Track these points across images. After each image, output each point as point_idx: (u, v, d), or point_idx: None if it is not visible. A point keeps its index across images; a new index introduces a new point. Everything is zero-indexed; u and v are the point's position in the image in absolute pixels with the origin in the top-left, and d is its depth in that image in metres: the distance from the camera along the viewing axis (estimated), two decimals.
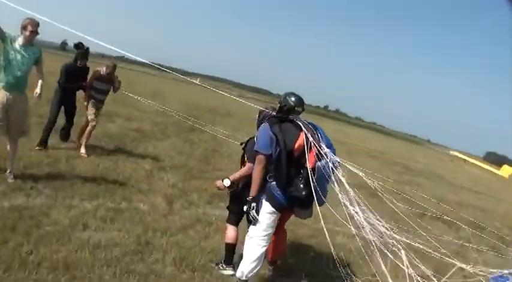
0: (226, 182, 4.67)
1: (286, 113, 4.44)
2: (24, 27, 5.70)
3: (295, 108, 4.47)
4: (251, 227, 4.43)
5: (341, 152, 20.11)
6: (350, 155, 20.14)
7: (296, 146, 4.24)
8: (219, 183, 4.73)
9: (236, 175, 4.73)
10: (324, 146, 4.29)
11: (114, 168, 7.87)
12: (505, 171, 54.68)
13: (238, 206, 4.67)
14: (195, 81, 42.74)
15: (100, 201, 5.97)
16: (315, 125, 4.55)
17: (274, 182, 4.33)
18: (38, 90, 6.05)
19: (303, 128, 4.29)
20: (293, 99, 4.48)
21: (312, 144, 4.19)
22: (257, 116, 4.93)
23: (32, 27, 5.73)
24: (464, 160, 60.88)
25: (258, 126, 4.65)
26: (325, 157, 4.18)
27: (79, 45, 8.12)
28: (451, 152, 59.55)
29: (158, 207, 6.36)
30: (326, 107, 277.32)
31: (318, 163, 4.16)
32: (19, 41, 5.74)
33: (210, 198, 7.31)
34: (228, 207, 5.03)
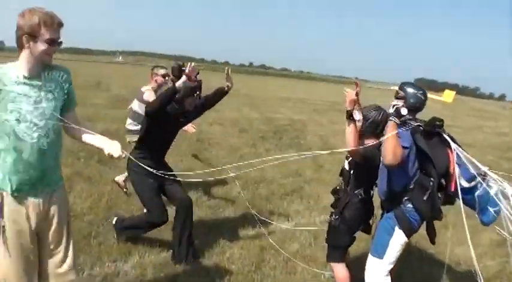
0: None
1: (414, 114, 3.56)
2: (31, 34, 2.51)
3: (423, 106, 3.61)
4: (375, 260, 3.62)
5: (310, 113, 21.56)
6: (320, 115, 20.92)
7: (450, 169, 3.36)
8: None
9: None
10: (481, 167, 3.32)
11: None
12: (448, 96, 56.24)
13: (344, 237, 3.89)
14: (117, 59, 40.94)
15: None
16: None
17: (411, 205, 3.48)
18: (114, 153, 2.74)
19: (452, 145, 3.39)
20: (421, 92, 3.56)
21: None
22: (360, 116, 3.54)
23: (52, 30, 2.55)
24: None
25: (368, 132, 3.72)
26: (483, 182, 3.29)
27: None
28: (392, 87, 60.17)
29: None
30: (251, 64, 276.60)
31: (478, 192, 3.31)
32: (19, 71, 2.60)
33: None
34: (328, 241, 4.05)
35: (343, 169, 3.99)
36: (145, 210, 4.60)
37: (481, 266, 4.39)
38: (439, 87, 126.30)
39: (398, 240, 3.52)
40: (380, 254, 3.57)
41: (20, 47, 2.54)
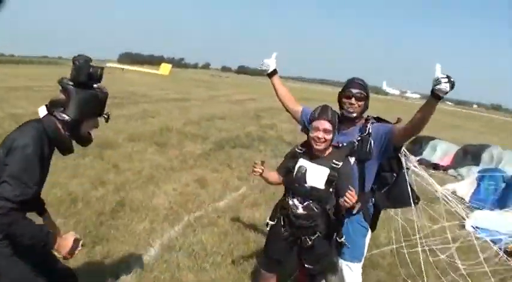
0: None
1: None
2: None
3: None
4: (356, 265, 3.59)
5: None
6: None
7: None
8: None
9: None
10: None
11: None
12: (165, 69, 57.33)
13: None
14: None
15: None
16: None
17: (371, 203, 3.64)
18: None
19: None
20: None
21: None
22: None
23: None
24: (122, 69, 56.25)
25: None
26: None
27: None
28: (108, 64, 56.29)
29: None
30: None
31: None
32: None
33: None
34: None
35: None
36: None
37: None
38: (154, 61, 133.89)
39: (368, 237, 3.72)
40: (360, 258, 3.61)
41: None
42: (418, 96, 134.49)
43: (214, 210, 6.37)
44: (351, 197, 2.88)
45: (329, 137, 3.16)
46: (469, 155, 11.57)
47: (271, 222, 3.48)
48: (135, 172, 7.78)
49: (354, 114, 3.41)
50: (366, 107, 3.50)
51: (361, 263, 3.65)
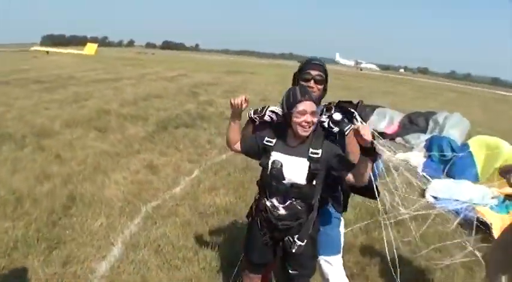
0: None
1: None
2: None
3: None
4: (336, 258, 3.35)
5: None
6: None
7: None
8: None
9: None
10: None
11: None
12: (90, 48, 57.79)
13: None
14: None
15: None
16: None
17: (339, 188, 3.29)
18: None
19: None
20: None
21: None
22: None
23: None
24: (47, 52, 53.66)
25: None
26: None
27: None
28: (33, 48, 57.14)
29: None
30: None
31: None
32: None
33: None
34: None
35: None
36: None
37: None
38: (78, 41, 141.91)
39: (342, 226, 3.43)
40: (338, 249, 3.36)
41: None
42: (374, 66, 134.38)
43: (172, 198, 6.07)
44: (365, 129, 2.48)
45: (315, 119, 2.78)
46: (414, 122, 11.67)
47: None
48: (79, 161, 7.28)
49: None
50: (325, 92, 3.15)
51: (340, 254, 3.39)
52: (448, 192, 6.78)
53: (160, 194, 6.17)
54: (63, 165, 7.02)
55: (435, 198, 6.60)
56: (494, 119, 21.03)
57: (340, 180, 3.00)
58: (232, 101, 2.86)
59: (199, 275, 4.10)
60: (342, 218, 3.39)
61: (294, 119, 2.77)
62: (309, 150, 2.80)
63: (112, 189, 6.15)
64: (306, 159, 2.79)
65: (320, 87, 3.08)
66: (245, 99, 2.87)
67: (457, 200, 6.54)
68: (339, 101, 3.17)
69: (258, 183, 3.03)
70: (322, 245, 3.16)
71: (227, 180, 6.95)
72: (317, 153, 2.78)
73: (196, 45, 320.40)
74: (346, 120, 2.95)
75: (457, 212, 6.22)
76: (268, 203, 2.90)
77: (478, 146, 8.20)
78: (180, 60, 60.75)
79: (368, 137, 2.47)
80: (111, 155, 7.87)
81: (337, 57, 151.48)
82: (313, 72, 3.06)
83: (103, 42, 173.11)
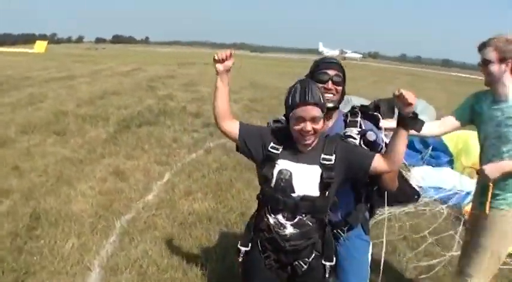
0: None
1: None
2: None
3: None
4: None
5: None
6: None
7: None
8: None
9: None
10: None
11: None
12: (40, 46, 55.88)
13: None
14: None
15: None
16: None
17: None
18: None
19: None
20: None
21: None
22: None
23: None
24: None
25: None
26: None
27: None
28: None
29: None
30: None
31: None
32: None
33: None
34: None
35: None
36: None
37: None
38: (26, 39, 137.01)
39: (370, 251, 2.93)
40: (366, 278, 2.87)
41: None
42: (359, 56, 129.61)
43: (146, 207, 5.59)
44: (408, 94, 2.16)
45: (319, 126, 2.32)
46: (383, 108, 11.53)
47: (244, 249, 2.58)
48: (40, 172, 6.64)
49: (331, 104, 2.57)
50: (343, 95, 2.73)
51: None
52: (431, 180, 6.64)
53: (133, 204, 5.68)
54: (22, 177, 6.39)
55: (419, 187, 6.40)
56: (458, 103, 21.19)
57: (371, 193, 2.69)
58: (216, 56, 2.44)
59: None
60: (370, 243, 2.92)
61: (292, 126, 2.36)
62: (320, 156, 2.39)
63: (79, 203, 5.60)
64: (318, 166, 2.37)
65: (339, 88, 2.65)
66: (230, 54, 2.46)
67: (440, 188, 6.48)
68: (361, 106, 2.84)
69: (258, 197, 2.56)
70: (350, 272, 2.76)
71: (203, 183, 6.53)
72: (330, 160, 2.37)
73: (147, 38, 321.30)
74: (378, 136, 2.62)
75: (444, 201, 6.18)
76: (271, 220, 2.43)
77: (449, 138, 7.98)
78: (132, 53, 59.77)
79: (414, 101, 2.18)
80: (74, 162, 7.27)
81: (321, 47, 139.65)
82: (331, 72, 2.62)
83: (52, 40, 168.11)
